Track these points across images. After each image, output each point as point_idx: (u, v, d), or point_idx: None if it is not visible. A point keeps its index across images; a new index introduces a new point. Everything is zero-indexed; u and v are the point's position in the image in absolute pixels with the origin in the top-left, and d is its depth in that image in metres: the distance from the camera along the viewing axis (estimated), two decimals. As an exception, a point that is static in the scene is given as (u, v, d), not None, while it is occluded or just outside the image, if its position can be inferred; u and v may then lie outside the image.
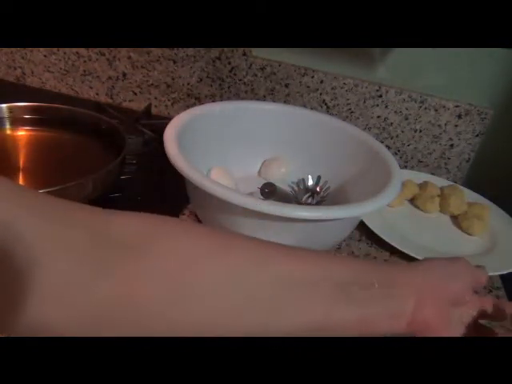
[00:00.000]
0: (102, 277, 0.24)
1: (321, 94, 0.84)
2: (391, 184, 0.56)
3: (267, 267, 0.29)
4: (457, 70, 0.78)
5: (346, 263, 0.34)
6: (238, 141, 0.72)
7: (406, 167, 0.85)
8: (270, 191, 0.70)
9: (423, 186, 0.76)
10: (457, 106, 0.79)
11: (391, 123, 0.83)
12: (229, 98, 0.89)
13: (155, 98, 0.93)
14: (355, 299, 0.31)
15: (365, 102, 0.82)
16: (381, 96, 0.81)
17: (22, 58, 0.94)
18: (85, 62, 0.92)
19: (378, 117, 0.83)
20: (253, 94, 0.87)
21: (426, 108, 0.80)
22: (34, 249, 0.22)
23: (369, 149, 0.66)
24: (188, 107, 0.70)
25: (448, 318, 0.34)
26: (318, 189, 0.68)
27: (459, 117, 0.80)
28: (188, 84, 0.90)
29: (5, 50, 0.94)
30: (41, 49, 0.93)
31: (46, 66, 0.94)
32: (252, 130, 0.72)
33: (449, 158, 0.84)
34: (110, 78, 0.93)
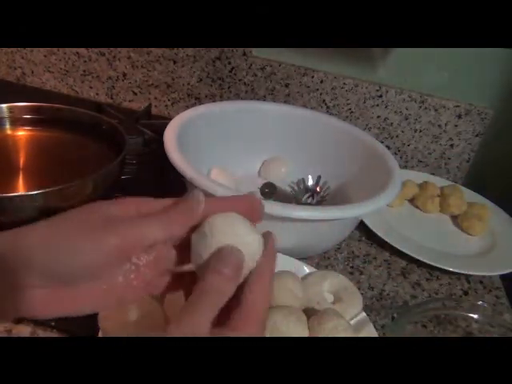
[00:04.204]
0: None
1: (321, 94, 0.84)
2: (391, 184, 0.56)
3: None
4: (457, 69, 0.78)
5: None
6: (238, 141, 0.72)
7: (406, 167, 0.85)
8: (270, 191, 0.70)
9: (423, 186, 0.76)
10: (457, 106, 0.79)
11: (391, 123, 0.83)
12: (229, 98, 0.89)
13: (155, 98, 0.93)
14: None
15: (365, 101, 0.82)
16: (381, 96, 0.81)
17: (22, 58, 0.94)
18: (85, 62, 0.92)
19: (378, 117, 0.83)
20: (253, 94, 0.87)
21: (426, 108, 0.80)
22: None
23: (369, 149, 0.66)
24: (188, 107, 0.70)
25: None
26: (317, 189, 0.68)
27: (459, 117, 0.80)
28: (188, 84, 0.90)
29: (5, 49, 0.94)
30: (41, 49, 0.93)
31: (46, 66, 0.94)
32: (252, 130, 0.72)
33: (449, 158, 0.84)
34: (109, 78, 0.93)
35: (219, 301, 0.26)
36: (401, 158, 0.85)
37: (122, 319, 0.40)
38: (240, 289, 0.28)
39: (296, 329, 0.42)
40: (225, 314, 0.27)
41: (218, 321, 0.26)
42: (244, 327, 0.26)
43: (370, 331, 0.46)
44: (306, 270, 0.53)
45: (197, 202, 0.29)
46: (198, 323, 0.25)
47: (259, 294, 0.28)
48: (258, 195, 0.69)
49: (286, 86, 0.85)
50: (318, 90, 0.84)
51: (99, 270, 0.26)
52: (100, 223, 0.27)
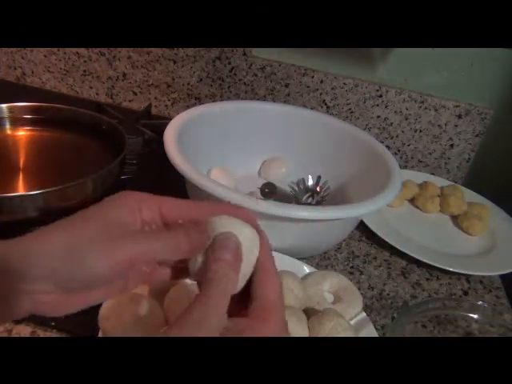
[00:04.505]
0: None
1: (321, 94, 0.84)
2: (391, 184, 0.56)
3: None
4: (457, 70, 0.78)
5: None
6: (237, 141, 0.72)
7: (406, 167, 0.85)
8: (270, 191, 0.70)
9: (423, 186, 0.76)
10: (457, 106, 0.79)
11: (391, 123, 0.83)
12: (229, 98, 0.89)
13: (155, 98, 0.93)
14: None
15: (365, 102, 0.82)
16: (381, 96, 0.81)
17: (22, 58, 0.94)
18: (85, 61, 0.92)
19: (378, 117, 0.83)
20: (253, 94, 0.87)
21: (426, 108, 0.80)
22: None
23: (369, 149, 0.66)
24: (188, 107, 0.70)
25: None
26: (318, 189, 0.68)
27: (459, 117, 0.80)
28: (188, 84, 0.90)
29: (5, 49, 0.94)
30: (41, 49, 0.93)
31: (46, 66, 0.94)
32: (252, 130, 0.72)
33: (449, 158, 0.84)
34: (109, 78, 0.93)
35: (227, 286, 0.27)
36: (401, 158, 0.85)
37: (122, 319, 0.40)
38: (250, 287, 0.29)
39: (296, 329, 0.42)
40: (238, 311, 0.27)
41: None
42: (269, 317, 0.27)
43: (369, 331, 0.46)
44: (306, 269, 0.54)
45: (206, 235, 0.29)
46: (211, 311, 0.25)
47: (271, 287, 0.29)
48: (258, 195, 0.69)
49: (286, 85, 0.85)
50: (317, 89, 0.84)
51: (104, 279, 0.27)
52: (107, 231, 0.27)
